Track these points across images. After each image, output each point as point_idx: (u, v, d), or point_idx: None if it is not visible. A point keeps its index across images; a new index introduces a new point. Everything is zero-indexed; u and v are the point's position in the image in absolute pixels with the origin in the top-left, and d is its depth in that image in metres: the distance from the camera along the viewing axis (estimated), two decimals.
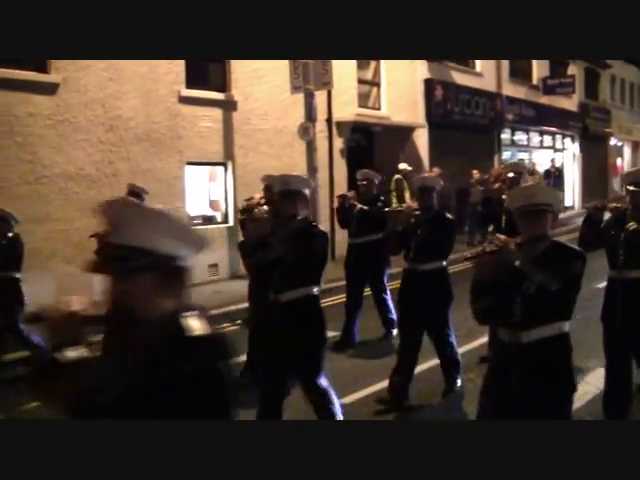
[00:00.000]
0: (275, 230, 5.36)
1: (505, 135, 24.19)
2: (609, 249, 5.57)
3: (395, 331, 8.60)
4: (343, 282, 9.55)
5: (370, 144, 17.40)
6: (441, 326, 6.75)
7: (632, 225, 5.40)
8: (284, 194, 5.35)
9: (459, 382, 6.78)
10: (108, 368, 2.19)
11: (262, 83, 14.52)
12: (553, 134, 27.78)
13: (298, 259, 5.13)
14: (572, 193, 28.94)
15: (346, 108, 16.44)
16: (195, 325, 2.20)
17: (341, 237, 11.87)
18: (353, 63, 16.71)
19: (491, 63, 22.38)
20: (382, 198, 9.28)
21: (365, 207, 8.89)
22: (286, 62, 13.90)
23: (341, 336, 8.85)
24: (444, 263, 6.74)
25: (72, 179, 11.21)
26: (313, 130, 13.29)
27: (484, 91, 21.85)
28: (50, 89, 11.07)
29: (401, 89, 18.51)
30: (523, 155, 25.07)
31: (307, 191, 5.45)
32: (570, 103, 28.10)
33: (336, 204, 9.61)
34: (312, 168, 13.10)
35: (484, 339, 7.55)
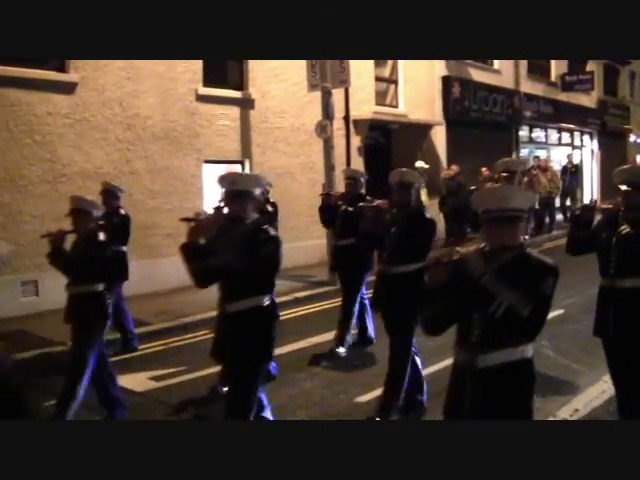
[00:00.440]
0: (222, 233, 4.87)
1: (523, 132, 24.04)
2: (600, 254, 5.14)
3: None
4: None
5: (387, 142, 17.36)
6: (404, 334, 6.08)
7: (624, 229, 4.98)
8: (231, 194, 4.89)
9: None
10: None
11: (279, 81, 14.52)
12: (571, 131, 27.56)
13: (246, 266, 4.64)
14: (590, 190, 28.74)
15: (363, 106, 16.40)
16: None
17: None
18: (370, 61, 16.67)
19: (509, 60, 22.24)
20: (369, 198, 8.38)
21: (350, 208, 8.35)
22: (303, 60, 13.89)
23: (357, 337, 8.79)
24: (420, 265, 5.73)
25: (90, 178, 11.26)
26: (330, 128, 13.25)
27: (502, 88, 21.72)
28: (69, 88, 11.14)
29: (418, 86, 18.45)
30: (541, 152, 24.89)
31: (258, 191, 5.02)
32: (589, 100, 27.88)
33: (319, 202, 9.10)
34: (329, 166, 13.08)
35: None
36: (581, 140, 28.65)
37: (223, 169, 14.11)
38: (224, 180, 4.99)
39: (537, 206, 19.41)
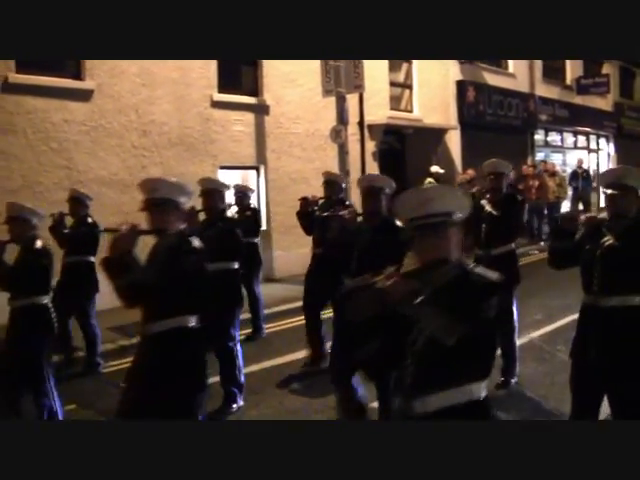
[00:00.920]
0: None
1: (538, 136, 23.92)
2: (582, 269, 4.57)
3: None
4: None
5: (402, 147, 17.35)
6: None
7: (608, 240, 4.42)
8: (152, 203, 4.36)
9: None
10: None
11: (294, 87, 14.53)
12: (587, 134, 27.41)
13: (168, 282, 4.14)
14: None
15: (378, 111, 16.39)
16: None
17: None
18: (385, 66, 16.66)
19: (524, 64, 22.16)
20: (347, 203, 8.19)
21: (325, 213, 7.68)
22: (318, 65, 13.91)
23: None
24: None
25: (106, 184, 11.31)
26: (345, 133, 13.27)
27: (517, 92, 21.64)
28: (85, 95, 11.21)
29: (433, 91, 18.43)
30: (557, 156, 24.77)
31: (183, 199, 4.44)
32: (604, 103, 27.71)
33: (297, 208, 8.47)
34: (344, 171, 13.08)
35: None
36: (597, 143, 28.48)
37: (239, 175, 14.18)
38: (144, 186, 4.48)
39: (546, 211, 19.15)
